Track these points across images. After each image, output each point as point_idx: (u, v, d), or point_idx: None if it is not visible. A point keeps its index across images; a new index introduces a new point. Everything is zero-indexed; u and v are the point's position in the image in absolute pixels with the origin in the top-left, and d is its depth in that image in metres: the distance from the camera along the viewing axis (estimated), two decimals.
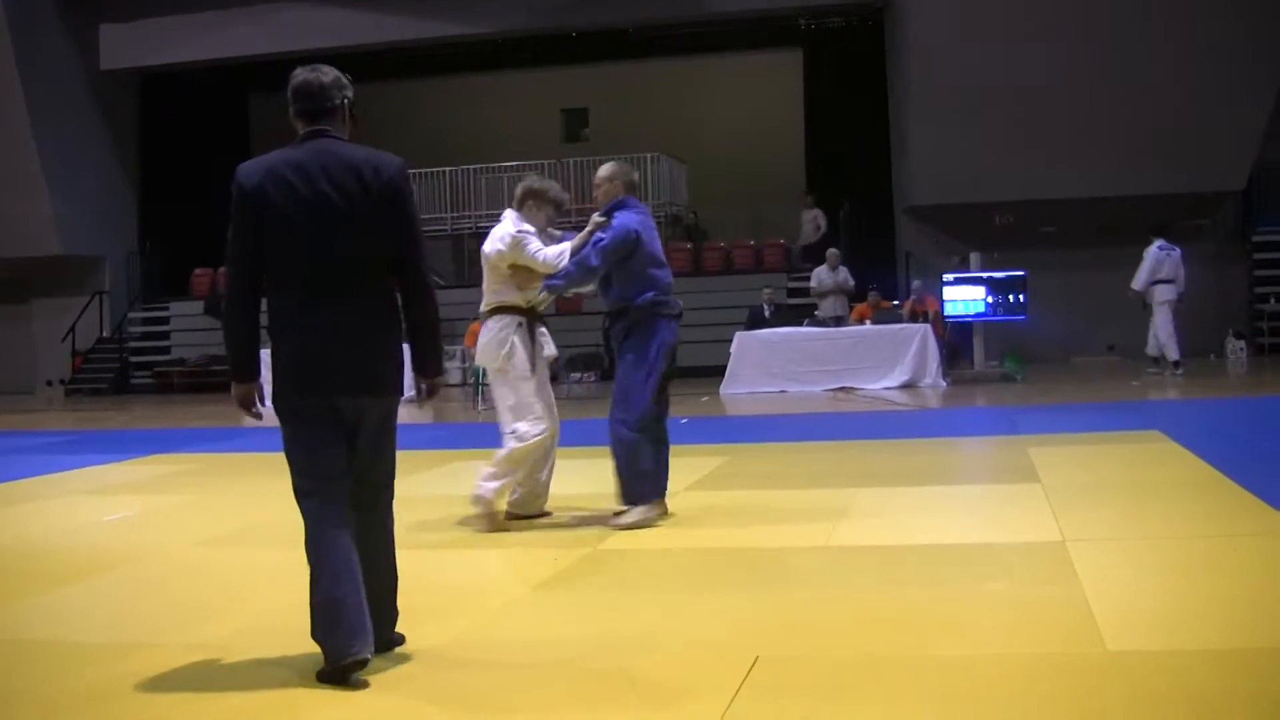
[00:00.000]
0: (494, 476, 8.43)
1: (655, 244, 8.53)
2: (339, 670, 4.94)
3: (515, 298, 8.47)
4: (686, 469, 10.94)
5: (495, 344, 8.41)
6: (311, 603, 5.06)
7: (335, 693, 4.91)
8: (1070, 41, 23.49)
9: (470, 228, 29.62)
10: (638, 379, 8.33)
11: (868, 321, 21.75)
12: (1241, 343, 25.28)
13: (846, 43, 29.02)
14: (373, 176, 5.33)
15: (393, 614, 5.46)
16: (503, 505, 8.57)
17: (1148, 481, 9.36)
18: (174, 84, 30.83)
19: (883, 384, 20.11)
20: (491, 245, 8.45)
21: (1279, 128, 24.64)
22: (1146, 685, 4.67)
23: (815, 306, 23.89)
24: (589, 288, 8.87)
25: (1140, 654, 5.06)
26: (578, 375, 25.80)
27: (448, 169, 29.66)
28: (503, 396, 8.51)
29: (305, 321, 5.14)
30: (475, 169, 29.63)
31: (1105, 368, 23.86)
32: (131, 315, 31.16)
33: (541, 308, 8.71)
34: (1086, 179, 24.67)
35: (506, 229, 8.41)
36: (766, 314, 23.12)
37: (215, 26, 28.71)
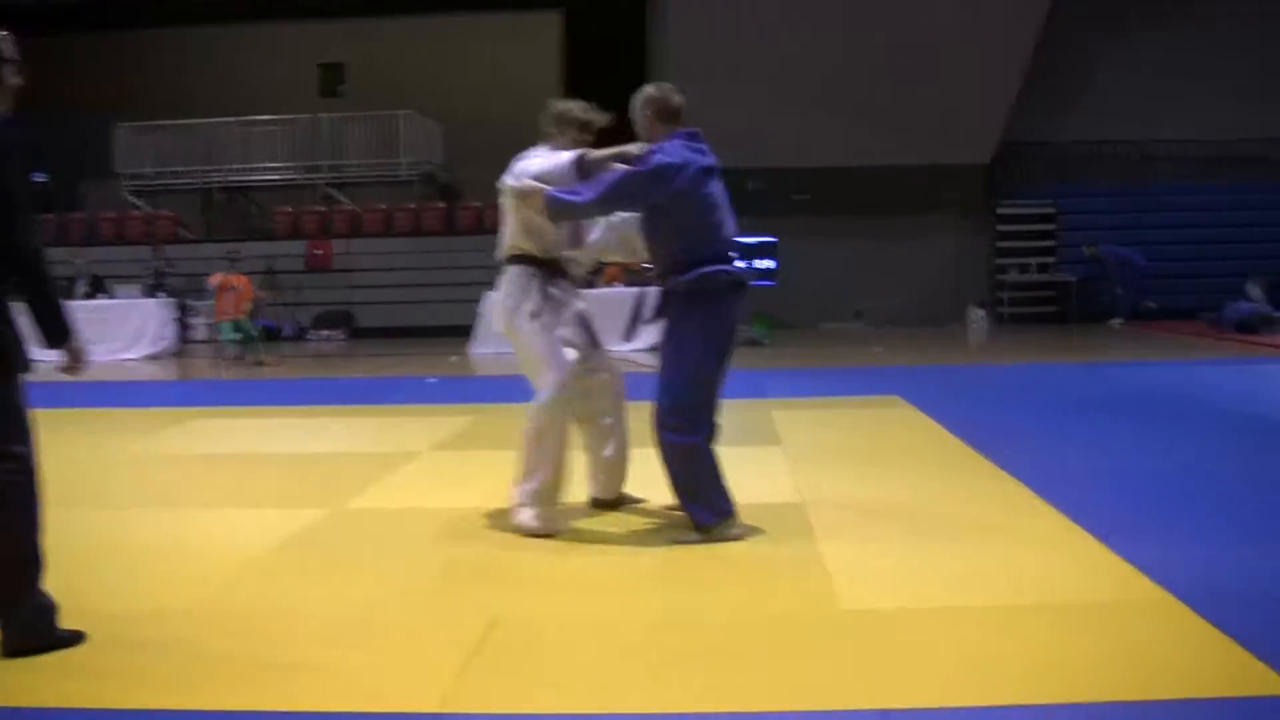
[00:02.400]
0: (523, 479, 6.87)
1: (711, 191, 6.63)
2: None
3: (527, 244, 7.04)
4: (432, 428, 10.92)
5: (498, 302, 7.12)
6: None
7: None
8: (827, 11, 23.80)
9: (221, 181, 29.00)
10: (685, 366, 6.59)
11: (618, 283, 21.82)
12: (982, 311, 25.99)
13: (608, 5, 29.03)
14: None
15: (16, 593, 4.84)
16: (553, 504, 6.88)
17: (885, 445, 9.60)
18: None
19: (632, 345, 20.19)
20: (503, 181, 6.99)
21: (1025, 104, 25.36)
22: (876, 642, 4.79)
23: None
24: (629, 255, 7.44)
25: (872, 612, 5.19)
26: (325, 333, 25.52)
27: (200, 122, 28.95)
28: (523, 364, 7.07)
29: None
30: (228, 122, 28.98)
31: (852, 334, 24.33)
32: None
33: (574, 265, 7.33)
34: (839, 148, 25.07)
35: (522, 157, 7.00)
36: None
37: None
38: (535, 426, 6.82)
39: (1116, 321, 24.49)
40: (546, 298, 6.94)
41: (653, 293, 6.75)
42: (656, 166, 6.39)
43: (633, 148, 6.73)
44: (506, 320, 6.97)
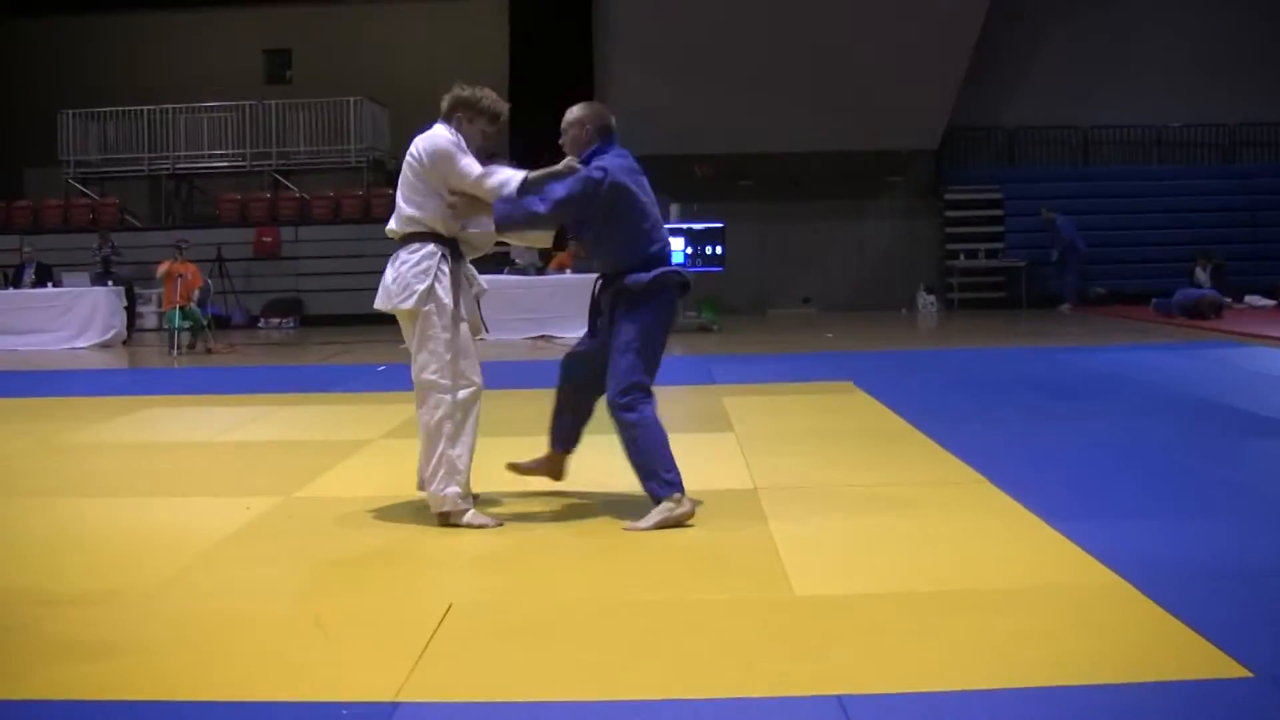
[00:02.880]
0: (441, 464, 6.71)
1: (644, 197, 6.90)
2: None
3: (435, 222, 6.83)
4: (384, 416, 10.90)
5: (405, 280, 6.73)
6: None
7: None
8: None
9: (168, 169, 28.81)
10: (640, 353, 6.78)
11: (568, 270, 21.81)
12: (932, 297, 26.14)
13: None
14: None
15: None
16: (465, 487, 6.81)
17: (838, 430, 9.64)
18: None
19: (582, 332, 20.16)
20: (411, 155, 6.94)
21: (971, 89, 25.46)
22: (831, 627, 4.82)
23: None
24: (538, 240, 7.91)
25: (825, 598, 5.22)
26: (276, 321, 25.43)
27: (145, 108, 28.73)
28: (418, 350, 6.78)
29: None
30: (174, 109, 28.78)
31: (800, 319, 24.39)
32: None
33: (471, 251, 7.14)
34: (785, 134, 25.13)
35: (435, 137, 6.94)
36: None
37: None
38: (449, 436, 6.75)
39: (1065, 307, 24.63)
40: (454, 280, 6.83)
41: (600, 287, 7.05)
42: (605, 172, 6.71)
43: (562, 166, 6.92)
44: (412, 304, 6.67)
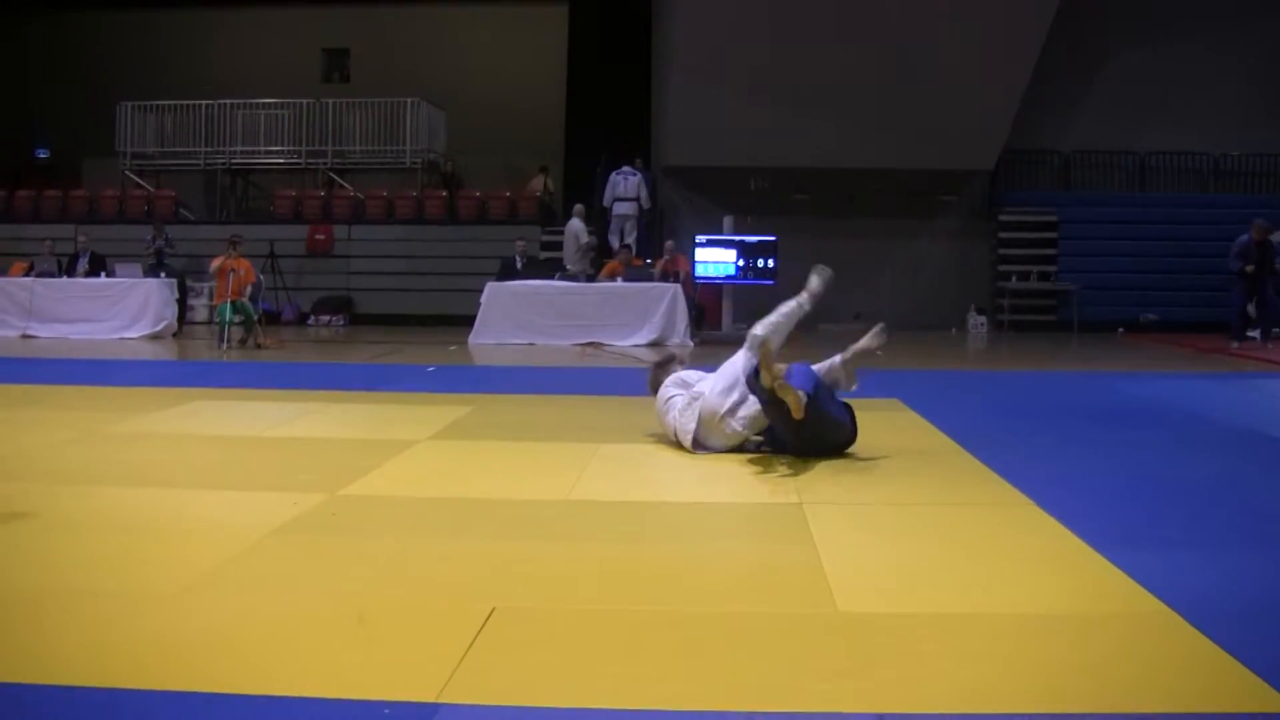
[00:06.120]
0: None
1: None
2: None
3: None
4: (431, 418, 10.91)
5: None
6: None
7: None
8: (833, 12, 23.80)
9: (224, 163, 29.02)
10: None
11: (619, 278, 21.84)
12: (982, 318, 26.05)
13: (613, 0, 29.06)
14: None
15: None
16: None
17: (885, 448, 9.58)
18: None
19: (631, 340, 20.25)
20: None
21: (1028, 112, 25.38)
22: (871, 645, 4.79)
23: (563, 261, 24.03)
24: None
25: (868, 615, 5.18)
26: (326, 318, 25.55)
27: (203, 103, 28.95)
28: None
29: None
30: (232, 103, 28.98)
31: (851, 335, 24.28)
32: None
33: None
34: (840, 149, 25.11)
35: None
36: (519, 265, 23.07)
37: None
38: None
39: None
40: None
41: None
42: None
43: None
44: None
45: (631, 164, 25.27)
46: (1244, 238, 21.66)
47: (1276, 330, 21.77)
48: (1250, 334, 21.74)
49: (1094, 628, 5.07)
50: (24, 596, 5.24)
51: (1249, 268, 21.25)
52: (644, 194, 25.12)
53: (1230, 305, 21.73)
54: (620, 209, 25.16)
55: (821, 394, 8.78)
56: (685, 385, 9.43)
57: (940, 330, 25.44)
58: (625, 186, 25.16)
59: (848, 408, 9.17)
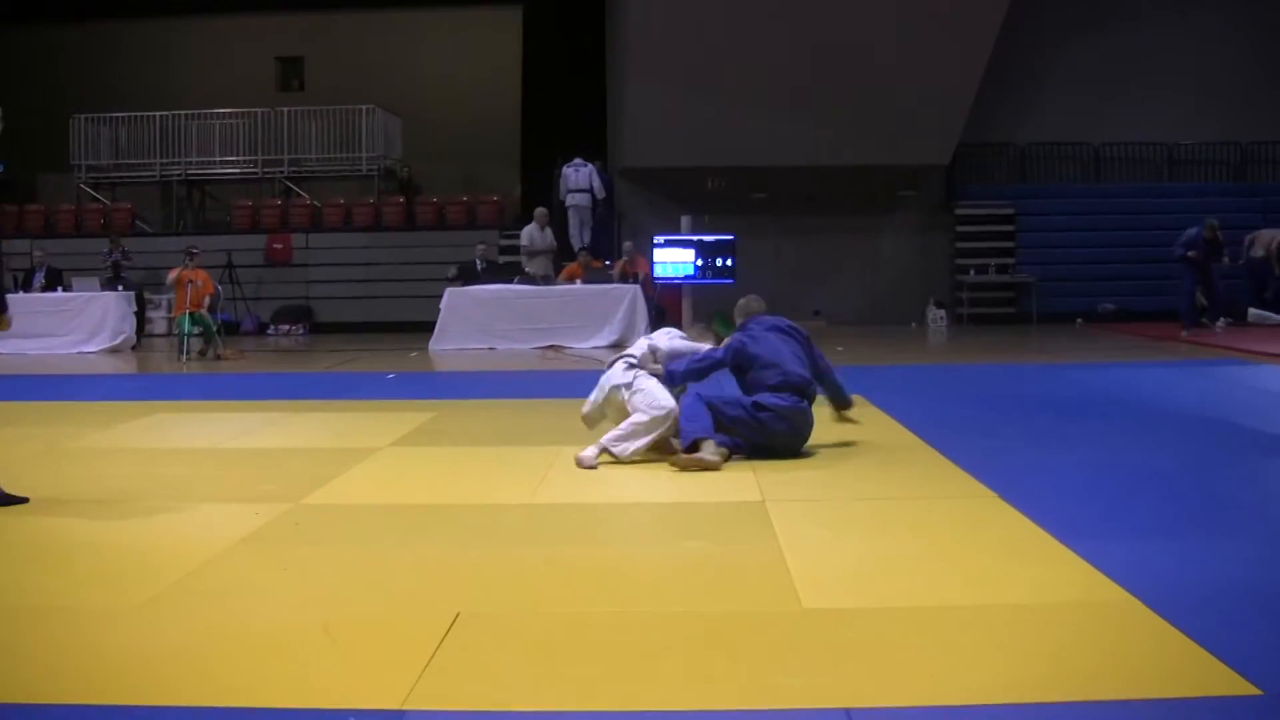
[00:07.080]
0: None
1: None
2: None
3: None
4: (392, 425, 10.89)
5: None
6: None
7: None
8: (785, 11, 23.78)
9: (180, 174, 28.87)
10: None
11: (578, 281, 21.84)
12: (942, 312, 26.11)
13: (567, 2, 28.99)
14: None
15: None
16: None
17: (847, 444, 9.60)
18: None
19: (591, 343, 20.25)
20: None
21: (984, 105, 25.44)
22: (839, 641, 4.80)
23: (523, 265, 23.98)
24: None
25: (833, 611, 5.20)
26: (286, 328, 25.47)
27: (158, 114, 28.79)
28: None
29: None
30: (186, 114, 28.83)
31: (811, 333, 24.30)
32: None
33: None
34: (797, 147, 25.09)
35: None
36: (479, 267, 23.00)
37: None
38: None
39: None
40: None
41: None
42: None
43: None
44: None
45: (581, 156, 25.39)
46: (1194, 230, 21.96)
47: (1227, 318, 22.13)
48: (1203, 320, 21.94)
49: (1059, 616, 5.09)
50: None
51: (1191, 253, 21.58)
52: (597, 183, 25.18)
53: (1181, 294, 21.93)
54: (574, 200, 25.20)
55: (728, 415, 8.99)
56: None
57: (900, 325, 25.50)
58: (577, 178, 25.22)
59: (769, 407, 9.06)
